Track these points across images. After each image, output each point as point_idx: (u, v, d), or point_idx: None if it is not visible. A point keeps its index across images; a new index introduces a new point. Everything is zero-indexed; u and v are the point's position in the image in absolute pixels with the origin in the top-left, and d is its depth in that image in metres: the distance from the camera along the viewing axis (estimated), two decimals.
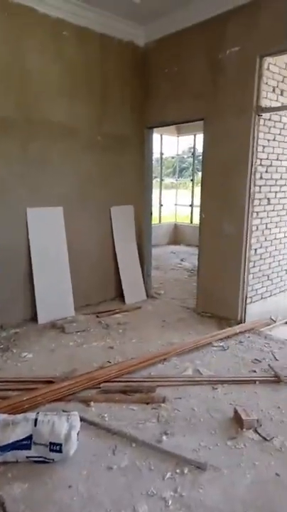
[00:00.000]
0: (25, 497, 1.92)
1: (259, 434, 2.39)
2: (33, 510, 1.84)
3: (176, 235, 10.08)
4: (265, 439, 2.36)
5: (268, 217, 4.36)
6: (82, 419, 2.39)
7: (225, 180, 4.14)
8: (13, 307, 4.15)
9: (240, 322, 4.21)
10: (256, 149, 3.89)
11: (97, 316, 4.47)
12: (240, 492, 1.97)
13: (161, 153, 9.58)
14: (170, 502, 1.90)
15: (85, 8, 4.11)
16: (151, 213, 5.30)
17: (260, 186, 4.14)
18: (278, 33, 3.46)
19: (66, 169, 4.38)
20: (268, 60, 3.77)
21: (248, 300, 4.34)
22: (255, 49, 3.64)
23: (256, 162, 3.91)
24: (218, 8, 3.85)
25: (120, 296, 5.07)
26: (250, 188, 3.95)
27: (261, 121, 3.94)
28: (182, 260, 7.81)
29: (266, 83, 3.88)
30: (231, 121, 3.95)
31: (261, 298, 4.57)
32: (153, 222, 5.52)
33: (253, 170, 3.91)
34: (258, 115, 3.77)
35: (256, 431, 2.42)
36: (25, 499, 1.91)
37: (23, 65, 3.87)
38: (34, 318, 4.25)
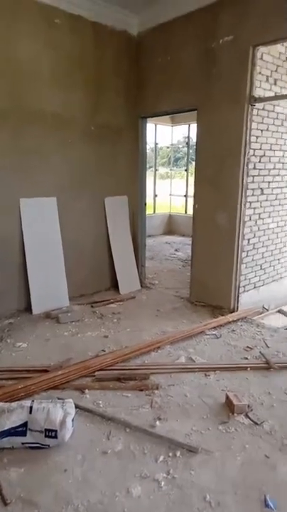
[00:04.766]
0: (22, 481, 1.97)
1: (250, 419, 2.46)
2: (29, 493, 1.89)
3: (171, 225, 10.10)
4: (255, 423, 2.42)
5: (261, 207, 4.39)
6: (76, 406, 2.44)
7: (218, 171, 4.15)
8: (8, 298, 4.16)
9: (233, 311, 4.27)
10: (249, 139, 3.89)
11: (92, 306, 4.51)
12: (230, 473, 2.04)
13: (156, 143, 9.55)
14: (162, 483, 1.96)
15: None
16: (145, 204, 5.31)
17: (253, 176, 4.16)
18: (271, 23, 3.44)
19: (60, 159, 4.36)
20: (262, 49, 3.77)
21: (241, 289, 4.39)
22: (248, 38, 3.62)
23: (249, 152, 3.92)
24: None
25: (114, 286, 5.11)
26: (243, 179, 3.96)
27: (255, 111, 3.94)
28: (176, 250, 7.84)
29: (260, 72, 3.87)
30: (224, 111, 3.95)
31: (254, 287, 4.63)
32: (147, 213, 5.53)
33: (246, 160, 3.92)
34: (252, 105, 3.77)
35: (246, 415, 2.49)
36: (21, 483, 1.96)
37: (15, 54, 3.82)
38: (28, 308, 4.27)
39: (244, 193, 4.02)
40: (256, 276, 4.61)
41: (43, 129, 4.16)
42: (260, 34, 3.56)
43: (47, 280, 4.36)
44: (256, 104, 3.82)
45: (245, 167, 3.93)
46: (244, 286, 4.45)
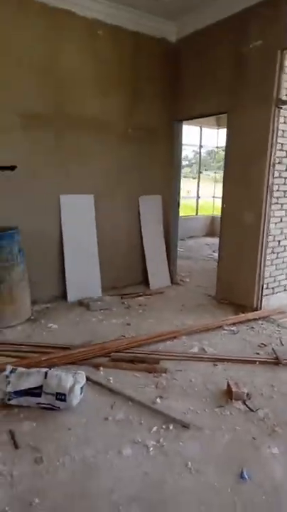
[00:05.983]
0: (32, 433, 2.30)
1: (246, 405, 2.58)
2: (36, 443, 2.21)
3: (213, 227, 10.11)
4: (251, 409, 2.54)
5: None
6: (88, 379, 2.74)
7: (246, 172, 4.23)
8: (47, 285, 4.59)
9: (256, 310, 4.32)
10: (276, 141, 3.94)
11: (121, 298, 4.81)
12: (216, 448, 2.20)
13: (200, 146, 9.67)
14: (151, 449, 2.18)
15: (119, 8, 4.39)
16: (178, 204, 5.50)
17: (285, 178, 4.19)
18: None
19: (98, 160, 4.72)
20: None
21: (270, 290, 4.42)
22: (276, 43, 3.69)
23: (275, 154, 3.97)
24: (242, 3, 3.95)
25: (145, 281, 5.36)
26: (269, 179, 4.02)
27: None
28: (214, 251, 7.89)
29: None
30: (252, 113, 4.04)
31: (285, 289, 4.63)
32: (189, 214, 5.67)
33: (272, 161, 3.98)
34: (278, 107, 3.83)
35: (244, 402, 2.61)
36: (31, 434, 2.29)
37: (60, 64, 4.23)
38: (64, 295, 4.67)
39: (269, 194, 4.07)
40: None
41: (84, 132, 4.54)
42: None
43: (83, 271, 4.73)
44: (283, 107, 3.87)
45: (271, 167, 3.99)
46: (273, 288, 4.48)
